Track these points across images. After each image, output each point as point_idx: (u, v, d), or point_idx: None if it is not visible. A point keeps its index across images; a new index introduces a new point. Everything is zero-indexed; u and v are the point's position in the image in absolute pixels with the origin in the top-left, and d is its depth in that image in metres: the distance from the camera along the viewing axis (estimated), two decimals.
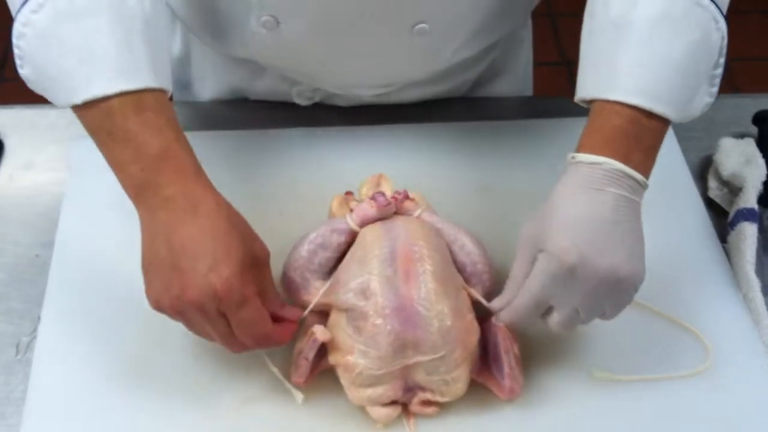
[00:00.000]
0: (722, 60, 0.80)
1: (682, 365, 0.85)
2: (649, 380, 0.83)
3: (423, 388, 0.77)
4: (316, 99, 1.08)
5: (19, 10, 0.75)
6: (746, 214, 0.93)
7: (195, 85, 1.14)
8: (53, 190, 0.98)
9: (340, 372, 0.77)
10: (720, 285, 0.92)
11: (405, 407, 0.79)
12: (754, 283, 0.89)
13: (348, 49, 0.96)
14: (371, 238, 0.79)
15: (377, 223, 0.81)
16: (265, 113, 1.09)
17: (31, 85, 0.79)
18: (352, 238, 0.81)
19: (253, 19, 0.92)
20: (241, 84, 1.10)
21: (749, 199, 0.94)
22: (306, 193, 0.97)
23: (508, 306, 0.78)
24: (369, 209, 0.81)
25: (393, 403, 0.78)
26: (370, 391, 0.76)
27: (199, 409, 0.80)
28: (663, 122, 0.76)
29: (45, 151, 1.03)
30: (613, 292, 0.75)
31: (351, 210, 0.84)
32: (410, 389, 0.77)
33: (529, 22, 1.18)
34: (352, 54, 0.97)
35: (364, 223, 0.82)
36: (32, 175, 1.01)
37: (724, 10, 0.78)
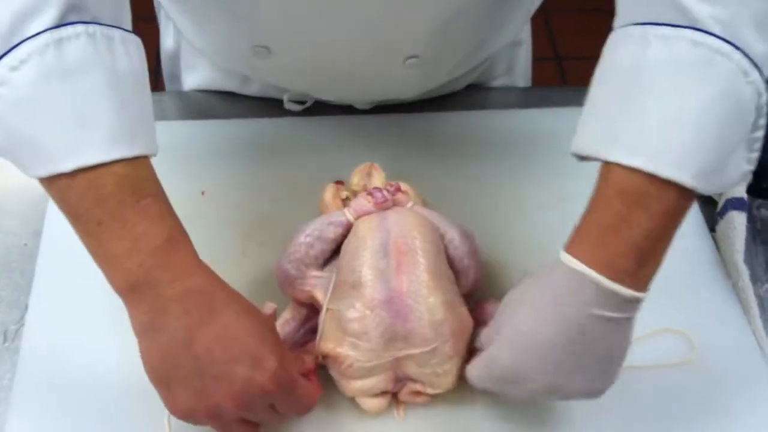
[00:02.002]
0: (763, 121, 0.66)
1: (671, 354, 0.85)
2: (637, 369, 0.83)
3: (413, 380, 0.77)
4: (308, 105, 1.07)
5: None
6: (735, 203, 0.93)
7: (183, 76, 1.13)
8: None
9: (329, 364, 0.77)
10: (709, 274, 0.92)
11: (395, 396, 0.79)
12: (743, 272, 0.89)
13: (340, 75, 0.96)
14: (365, 230, 0.78)
15: (372, 214, 0.81)
16: (255, 104, 1.08)
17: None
18: (348, 230, 0.80)
19: (244, 46, 0.92)
20: (231, 87, 1.09)
21: (738, 189, 0.94)
22: (296, 181, 0.97)
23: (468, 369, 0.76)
24: (366, 205, 0.80)
25: (383, 393, 0.78)
26: (360, 383, 0.76)
27: None
28: (678, 193, 0.65)
29: None
30: (556, 399, 0.74)
31: (344, 200, 0.84)
32: (401, 380, 0.77)
33: (528, 25, 1.16)
34: (345, 79, 0.97)
35: (360, 217, 0.82)
36: None
37: (767, 65, 0.65)
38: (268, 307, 0.75)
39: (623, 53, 0.67)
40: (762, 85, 0.65)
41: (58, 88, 0.64)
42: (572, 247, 0.68)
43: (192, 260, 0.69)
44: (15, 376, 0.81)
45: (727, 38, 0.63)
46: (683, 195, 0.65)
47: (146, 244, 0.66)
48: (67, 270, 0.88)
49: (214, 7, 0.91)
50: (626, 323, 0.69)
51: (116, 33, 0.67)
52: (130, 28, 0.70)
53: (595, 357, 0.69)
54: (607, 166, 0.67)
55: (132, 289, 0.67)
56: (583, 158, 0.70)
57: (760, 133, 0.67)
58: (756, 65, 0.64)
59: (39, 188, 0.95)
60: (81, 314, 0.85)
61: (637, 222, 0.65)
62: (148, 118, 0.70)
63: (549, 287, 0.69)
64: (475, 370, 0.74)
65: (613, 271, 0.66)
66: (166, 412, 0.72)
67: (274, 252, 0.88)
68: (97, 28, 0.66)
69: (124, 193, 0.66)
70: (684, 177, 0.63)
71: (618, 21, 0.70)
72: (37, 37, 0.63)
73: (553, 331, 0.68)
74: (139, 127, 0.68)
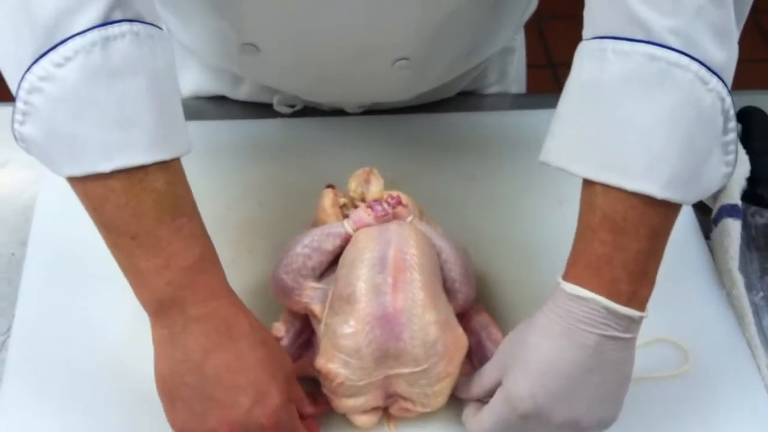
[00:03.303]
0: (732, 124, 0.68)
1: (665, 364, 0.84)
2: (631, 380, 0.82)
3: (403, 398, 0.76)
4: (298, 108, 1.06)
5: (35, 62, 0.63)
6: (730, 211, 0.92)
7: None
8: (29, 188, 0.97)
9: (321, 380, 0.76)
10: (703, 282, 0.91)
11: (386, 410, 0.78)
12: (738, 280, 0.89)
13: (329, 75, 0.95)
14: (364, 242, 0.77)
15: (372, 226, 0.80)
16: (245, 106, 1.08)
17: (29, 146, 0.67)
18: (346, 242, 0.79)
19: (232, 44, 0.91)
20: (221, 90, 1.08)
21: (733, 195, 0.93)
22: (286, 184, 0.97)
23: (471, 424, 0.75)
24: (366, 218, 0.79)
25: (374, 408, 0.77)
26: (351, 401, 0.75)
27: None
28: (660, 210, 0.66)
29: (21, 149, 1.01)
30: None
31: (341, 206, 0.83)
32: (391, 396, 0.76)
33: (522, 34, 1.16)
34: (334, 80, 0.96)
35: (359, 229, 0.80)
36: (8, 173, 1.00)
37: (727, 71, 0.67)
38: (277, 329, 0.76)
39: (585, 68, 0.69)
40: (724, 90, 0.66)
41: (104, 88, 0.64)
42: (571, 275, 0.69)
43: (220, 283, 0.70)
44: (1, 387, 0.80)
45: (685, 50, 0.64)
46: (664, 210, 0.66)
47: (177, 263, 0.67)
48: (54, 279, 0.88)
49: (200, 3, 0.91)
50: (631, 345, 0.70)
51: (155, 31, 0.68)
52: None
53: (611, 380, 0.70)
54: (587, 184, 0.68)
55: (159, 304, 0.68)
56: (556, 168, 0.71)
57: (732, 135, 0.68)
58: (715, 72, 0.65)
59: (26, 197, 0.96)
60: (68, 324, 0.84)
61: (626, 247, 0.67)
62: (182, 116, 0.70)
63: (558, 316, 0.69)
64: (487, 418, 0.72)
65: (616, 295, 0.67)
66: None
67: (263, 259, 0.87)
68: (140, 27, 0.66)
69: (161, 210, 0.66)
70: (652, 188, 0.65)
71: (584, 33, 0.71)
72: (83, 34, 0.63)
73: (572, 357, 0.68)
74: (176, 127, 0.69)
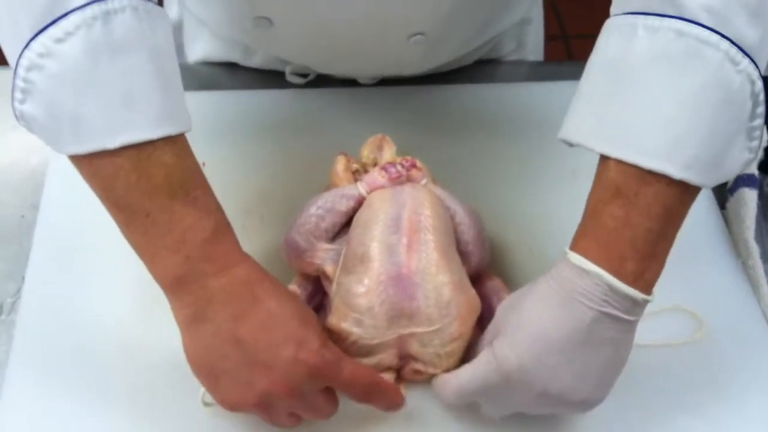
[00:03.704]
0: (761, 109, 0.65)
1: (679, 333, 0.83)
2: (644, 347, 0.82)
3: (416, 359, 0.76)
4: (311, 78, 1.06)
5: (33, 38, 0.61)
6: (746, 180, 0.91)
7: (186, 48, 1.12)
8: (39, 151, 0.96)
9: (333, 340, 0.75)
10: (718, 252, 0.91)
11: (397, 372, 0.78)
12: (754, 250, 0.88)
13: (343, 50, 0.94)
14: (378, 203, 0.77)
15: (386, 188, 0.80)
16: (257, 75, 1.07)
17: (30, 125, 0.65)
18: (360, 204, 0.79)
19: (245, 17, 0.90)
20: (234, 58, 1.08)
21: (750, 165, 0.92)
22: (298, 154, 0.96)
23: (448, 377, 0.74)
24: (380, 179, 0.78)
25: (387, 369, 0.76)
26: (365, 362, 0.75)
27: (186, 377, 0.76)
28: (675, 191, 0.64)
29: None
30: (554, 408, 0.70)
31: (354, 172, 0.82)
32: (404, 358, 0.76)
33: (539, 3, 1.14)
34: (348, 54, 0.95)
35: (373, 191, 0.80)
36: (19, 137, 0.98)
37: (760, 53, 0.64)
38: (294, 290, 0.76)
39: (612, 44, 0.66)
40: (755, 73, 0.63)
41: (106, 64, 0.62)
42: (578, 247, 0.67)
43: (236, 251, 0.69)
44: (11, 350, 0.80)
45: (715, 28, 0.62)
46: (681, 192, 0.64)
47: (194, 237, 0.66)
48: (65, 243, 0.87)
49: None
50: (631, 328, 0.68)
51: (153, 7, 0.66)
52: None
53: (602, 360, 0.68)
54: (602, 158, 0.66)
55: (177, 281, 0.67)
56: (572, 145, 0.69)
57: (759, 121, 0.65)
58: (747, 54, 0.62)
59: (37, 160, 0.96)
60: (78, 288, 0.84)
61: (635, 224, 0.64)
62: (182, 93, 0.69)
63: (559, 286, 0.67)
64: (467, 373, 0.71)
65: (622, 273, 0.65)
66: (201, 390, 0.73)
67: (275, 227, 0.87)
68: (139, 2, 0.64)
69: (173, 185, 0.65)
70: (671, 169, 0.63)
71: (612, 9, 0.69)
72: (83, 9, 0.61)
73: (565, 328, 0.66)
74: (179, 103, 0.67)
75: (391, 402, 0.73)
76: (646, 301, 0.66)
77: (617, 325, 0.66)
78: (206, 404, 0.75)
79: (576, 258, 0.66)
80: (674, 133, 0.62)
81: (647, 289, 0.66)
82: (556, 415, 0.77)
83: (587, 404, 0.70)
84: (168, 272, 0.67)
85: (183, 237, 0.66)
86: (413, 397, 0.76)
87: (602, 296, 0.65)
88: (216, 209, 0.69)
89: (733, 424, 0.79)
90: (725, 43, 0.62)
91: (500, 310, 0.73)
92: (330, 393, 0.71)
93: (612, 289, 0.65)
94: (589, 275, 0.65)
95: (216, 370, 0.68)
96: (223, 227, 0.69)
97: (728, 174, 0.66)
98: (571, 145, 0.69)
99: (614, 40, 0.66)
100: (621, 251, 0.65)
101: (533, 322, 0.68)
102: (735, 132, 0.64)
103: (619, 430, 0.78)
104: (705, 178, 0.64)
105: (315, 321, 0.71)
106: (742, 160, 0.66)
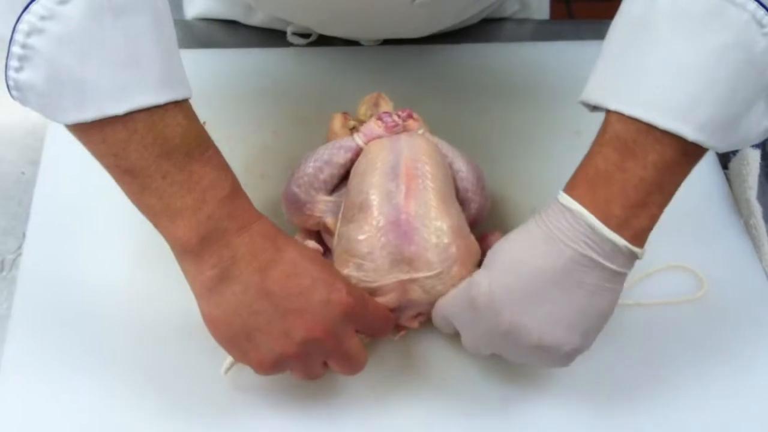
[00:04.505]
0: None
1: (679, 291, 0.84)
2: (645, 305, 0.82)
3: (416, 307, 0.76)
4: (312, 39, 1.05)
5: (33, 1, 0.59)
6: None
7: (185, 4, 1.10)
8: None
9: None
10: (721, 211, 0.91)
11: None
12: (756, 210, 0.88)
13: (346, 12, 0.93)
14: (375, 152, 0.77)
15: (383, 138, 0.79)
16: (258, 34, 1.06)
17: (25, 96, 0.62)
18: (357, 155, 0.79)
19: None
20: (234, 16, 1.06)
21: None
22: (299, 113, 0.95)
23: (438, 300, 0.74)
24: (376, 129, 0.78)
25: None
26: None
27: (191, 335, 0.77)
28: (677, 146, 0.62)
29: None
30: (526, 351, 0.69)
31: (351, 129, 0.82)
32: (404, 304, 0.75)
33: None
34: (351, 15, 0.94)
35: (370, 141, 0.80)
36: None
37: None
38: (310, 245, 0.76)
39: (635, 3, 0.65)
40: None
41: (110, 26, 0.60)
42: (569, 187, 0.67)
43: (252, 207, 0.69)
44: (12, 306, 0.80)
45: None
46: (684, 149, 0.62)
47: (213, 195, 0.65)
48: (65, 200, 0.87)
49: None
50: (615, 280, 0.66)
51: None
52: None
53: (576, 305, 0.66)
54: (609, 113, 0.65)
55: (201, 242, 0.65)
56: (593, 108, 0.68)
57: None
58: None
59: (36, 117, 0.94)
60: (79, 244, 0.84)
61: (629, 170, 0.63)
62: (180, 58, 0.67)
63: (543, 223, 0.67)
64: (448, 295, 0.73)
65: (606, 216, 0.64)
66: (228, 359, 0.73)
67: (275, 184, 0.86)
68: None
69: (189, 145, 0.64)
70: (685, 129, 0.61)
71: None
72: None
73: (540, 261, 0.66)
74: (179, 68, 0.66)
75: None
76: (633, 253, 0.65)
77: (597, 271, 0.65)
78: (227, 369, 0.75)
79: (562, 197, 0.66)
80: (690, 91, 0.61)
81: (635, 239, 0.65)
82: (536, 363, 0.75)
83: (561, 351, 0.68)
84: (191, 233, 0.65)
85: (203, 196, 0.65)
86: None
87: (582, 237, 0.65)
88: (229, 168, 0.68)
89: (733, 383, 0.79)
90: (752, 4, 0.59)
91: (493, 247, 0.72)
92: (359, 341, 0.71)
93: (593, 230, 0.64)
94: (572, 214, 0.65)
95: (249, 330, 0.67)
96: (237, 185, 0.68)
97: (744, 140, 0.64)
98: (592, 108, 0.68)
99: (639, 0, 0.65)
100: (608, 194, 0.64)
101: (510, 254, 0.68)
102: (754, 96, 0.62)
103: (621, 389, 0.78)
104: (718, 141, 0.62)
105: (333, 265, 0.72)
106: (761, 127, 0.64)
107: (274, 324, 0.67)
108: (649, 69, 0.62)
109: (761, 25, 0.60)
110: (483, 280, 0.68)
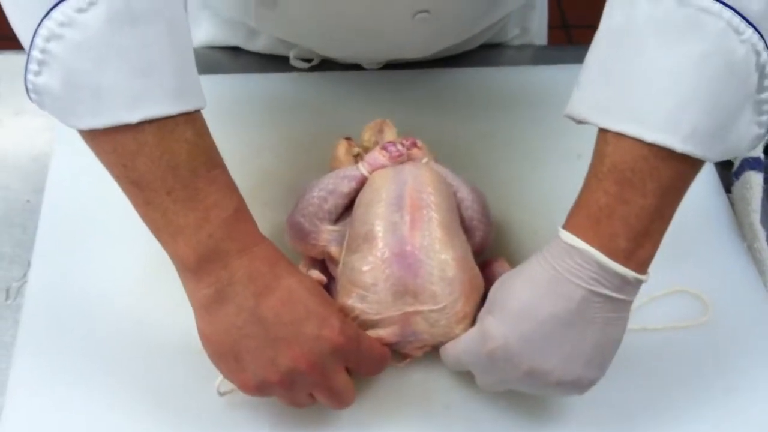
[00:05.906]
0: None
1: (684, 316, 0.83)
2: (649, 330, 0.82)
3: (420, 339, 0.75)
4: (315, 63, 1.05)
5: (54, 7, 0.60)
6: (752, 163, 0.91)
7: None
8: (45, 135, 0.96)
9: None
10: (724, 235, 0.90)
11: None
12: (760, 233, 0.88)
13: (348, 29, 0.94)
14: (380, 182, 0.77)
15: (387, 167, 0.79)
16: (260, 59, 1.07)
17: (43, 99, 0.63)
18: (362, 184, 0.79)
19: None
20: (236, 42, 1.07)
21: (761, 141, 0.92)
22: (301, 138, 0.95)
23: (447, 345, 0.75)
24: (381, 159, 0.79)
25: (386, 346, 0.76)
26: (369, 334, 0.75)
27: (195, 360, 0.76)
28: (673, 167, 0.63)
29: None
30: (545, 387, 0.69)
31: (355, 156, 0.82)
32: (408, 338, 0.75)
33: None
34: (353, 34, 0.95)
35: (374, 171, 0.80)
36: (24, 121, 0.99)
37: (765, 23, 0.62)
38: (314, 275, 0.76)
39: (614, 15, 0.65)
40: (760, 43, 0.61)
41: (128, 34, 0.61)
42: (570, 224, 0.67)
43: (255, 230, 0.69)
44: (17, 334, 0.80)
45: None
46: (679, 167, 0.63)
47: (217, 215, 0.65)
48: (70, 226, 0.87)
49: None
50: (624, 308, 0.67)
51: None
52: None
53: (593, 340, 0.67)
54: (601, 133, 0.65)
55: (199, 260, 0.66)
56: (579, 122, 0.68)
57: (767, 95, 0.64)
58: (751, 24, 0.61)
59: (41, 144, 0.96)
60: (84, 271, 0.84)
61: (629, 200, 0.63)
62: (196, 70, 0.68)
63: (548, 264, 0.66)
64: (461, 344, 0.72)
65: (612, 251, 0.64)
66: (219, 378, 0.72)
67: (278, 212, 0.86)
68: None
69: (196, 162, 0.64)
70: (672, 141, 0.61)
71: None
72: None
73: (552, 306, 0.66)
74: (194, 79, 0.66)
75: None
76: (640, 281, 0.65)
77: (608, 304, 0.65)
78: (221, 394, 0.75)
79: (566, 235, 0.66)
80: (674, 102, 0.61)
81: (640, 267, 0.65)
82: (551, 395, 0.76)
83: (579, 385, 0.69)
84: (190, 251, 0.65)
85: (206, 215, 0.65)
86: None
87: (592, 274, 0.64)
88: (235, 188, 0.68)
89: (739, 408, 0.79)
90: (727, 12, 0.60)
91: (494, 287, 0.72)
92: (348, 377, 0.71)
93: (602, 267, 0.64)
94: (578, 253, 0.65)
95: (237, 351, 0.67)
96: (243, 207, 0.68)
97: (735, 148, 0.65)
98: (578, 122, 0.68)
99: (617, 11, 0.65)
100: (612, 229, 0.64)
101: (521, 301, 0.67)
102: (740, 104, 0.63)
103: (625, 413, 0.78)
104: (708, 150, 0.62)
105: (331, 299, 0.72)
106: (750, 134, 0.65)
107: (261, 349, 0.67)
108: (632, 81, 0.63)
109: (738, 33, 0.61)
110: (497, 331, 0.68)
